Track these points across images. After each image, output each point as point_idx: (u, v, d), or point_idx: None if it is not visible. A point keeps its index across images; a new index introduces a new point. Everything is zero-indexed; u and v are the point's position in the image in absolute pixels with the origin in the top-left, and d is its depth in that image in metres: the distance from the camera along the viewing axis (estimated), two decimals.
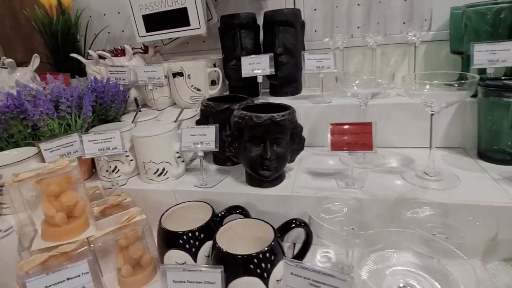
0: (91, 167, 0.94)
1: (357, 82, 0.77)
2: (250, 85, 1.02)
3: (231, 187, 0.78)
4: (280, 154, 0.71)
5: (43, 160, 0.78)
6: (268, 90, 1.12)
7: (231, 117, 0.74)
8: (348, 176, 0.74)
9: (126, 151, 0.85)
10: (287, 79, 1.05)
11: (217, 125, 0.76)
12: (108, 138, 0.83)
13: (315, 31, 1.16)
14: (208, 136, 0.77)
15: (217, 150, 0.76)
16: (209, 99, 0.89)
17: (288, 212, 0.72)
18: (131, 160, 0.87)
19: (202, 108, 0.88)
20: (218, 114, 0.84)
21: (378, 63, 1.06)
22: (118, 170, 0.88)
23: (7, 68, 1.09)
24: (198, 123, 0.91)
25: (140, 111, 1.06)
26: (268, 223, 0.61)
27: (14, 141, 0.85)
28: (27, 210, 0.62)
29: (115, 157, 0.86)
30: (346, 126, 0.69)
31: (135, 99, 1.10)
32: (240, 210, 0.69)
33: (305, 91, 1.12)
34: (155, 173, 0.83)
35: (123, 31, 1.39)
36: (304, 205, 0.69)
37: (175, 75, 1.03)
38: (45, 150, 0.79)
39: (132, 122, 0.94)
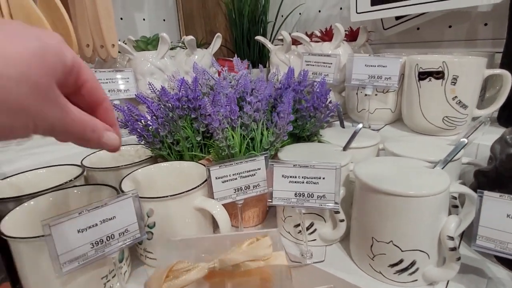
0: (264, 209, 0.61)
1: None
2: None
3: None
4: None
5: (209, 193, 0.48)
6: None
7: None
8: None
9: (337, 204, 0.47)
10: None
11: None
12: (315, 178, 0.46)
13: None
14: None
15: None
16: None
17: None
18: (341, 220, 0.49)
19: None
20: None
21: None
22: (315, 230, 0.51)
23: (185, 48, 0.88)
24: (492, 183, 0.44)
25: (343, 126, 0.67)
26: None
27: (178, 150, 0.58)
28: None
29: (314, 209, 0.50)
30: None
31: (338, 107, 0.72)
32: None
33: None
34: (394, 265, 0.42)
35: (319, 11, 1.04)
36: None
37: (425, 75, 0.59)
38: (216, 178, 0.48)
39: (344, 149, 0.56)
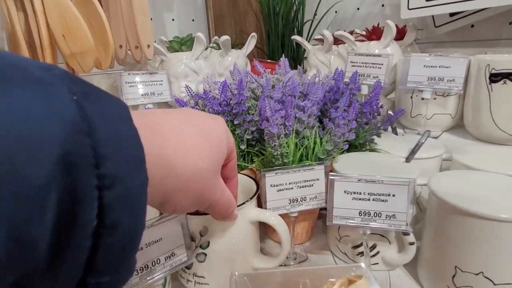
0: (314, 224, 0.55)
1: None
2: None
3: None
4: None
5: (261, 202, 0.43)
6: None
7: None
8: None
9: (407, 225, 0.40)
10: None
11: None
12: (383, 194, 0.40)
13: None
14: None
15: None
16: None
17: None
18: (411, 243, 0.42)
19: None
20: None
21: None
22: (378, 253, 0.45)
23: (218, 49, 0.84)
24: None
25: (404, 133, 0.61)
26: None
27: None
28: None
29: (378, 230, 0.44)
30: None
31: (389, 112, 0.66)
32: None
33: None
34: None
35: (358, 9, 0.97)
36: None
37: (499, 77, 0.52)
38: (271, 186, 0.43)
39: (407, 160, 0.50)
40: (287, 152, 0.44)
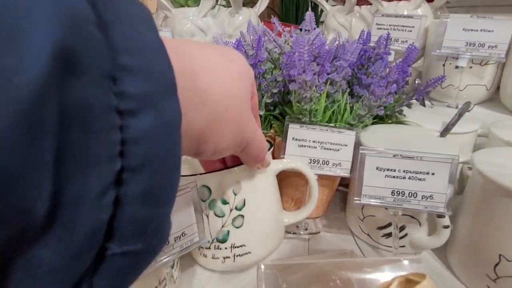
0: (330, 199, 0.50)
1: None
2: None
3: None
4: None
5: (280, 154, 0.38)
6: None
7: None
8: None
9: (445, 207, 0.36)
10: None
11: None
12: (421, 173, 0.36)
13: None
14: None
15: None
16: None
17: None
18: (446, 226, 0.38)
19: None
20: None
21: None
22: (406, 235, 0.41)
23: (227, 6, 0.76)
24: None
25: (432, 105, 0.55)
26: None
27: None
28: None
29: (410, 211, 0.39)
30: None
31: (417, 81, 0.60)
32: None
33: None
34: None
35: None
36: None
37: None
38: (293, 139, 0.39)
39: (442, 134, 0.45)
40: (316, 110, 0.39)
